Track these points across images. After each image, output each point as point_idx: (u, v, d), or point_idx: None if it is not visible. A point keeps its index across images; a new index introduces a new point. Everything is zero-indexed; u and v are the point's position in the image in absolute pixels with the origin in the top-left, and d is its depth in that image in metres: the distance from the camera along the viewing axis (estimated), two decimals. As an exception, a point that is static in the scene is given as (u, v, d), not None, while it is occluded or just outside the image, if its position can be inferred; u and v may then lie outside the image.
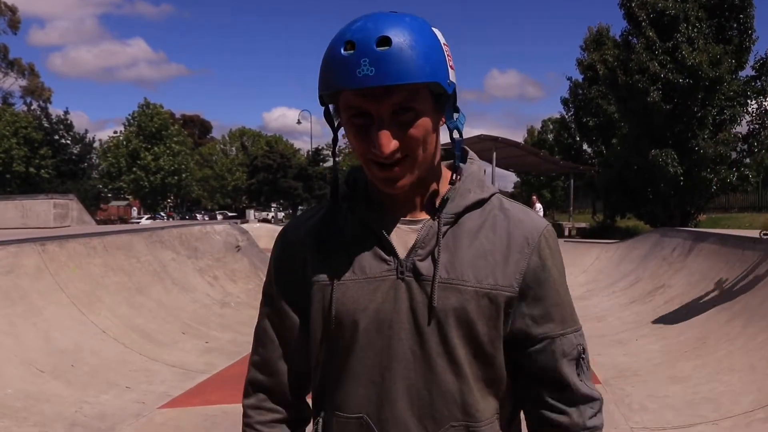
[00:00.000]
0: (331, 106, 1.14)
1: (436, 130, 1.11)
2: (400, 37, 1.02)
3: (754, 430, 4.13)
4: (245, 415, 1.29)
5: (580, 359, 1.19)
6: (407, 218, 1.17)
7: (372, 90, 1.02)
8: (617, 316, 8.56)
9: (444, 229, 1.14)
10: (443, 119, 1.13)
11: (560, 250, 1.22)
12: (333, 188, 1.22)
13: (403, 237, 1.15)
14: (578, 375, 1.18)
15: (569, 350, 1.17)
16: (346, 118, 1.09)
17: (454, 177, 1.20)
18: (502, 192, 1.26)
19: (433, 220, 1.15)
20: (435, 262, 1.12)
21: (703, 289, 7.59)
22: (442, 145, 1.20)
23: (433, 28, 1.10)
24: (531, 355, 1.17)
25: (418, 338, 1.11)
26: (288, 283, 1.23)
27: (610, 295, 10.22)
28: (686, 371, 5.53)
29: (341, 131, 1.16)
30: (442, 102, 1.10)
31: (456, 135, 1.17)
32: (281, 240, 1.27)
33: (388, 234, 1.15)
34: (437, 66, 1.05)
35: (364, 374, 1.14)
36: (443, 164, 1.22)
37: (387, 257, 1.14)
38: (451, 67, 1.10)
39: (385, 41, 1.01)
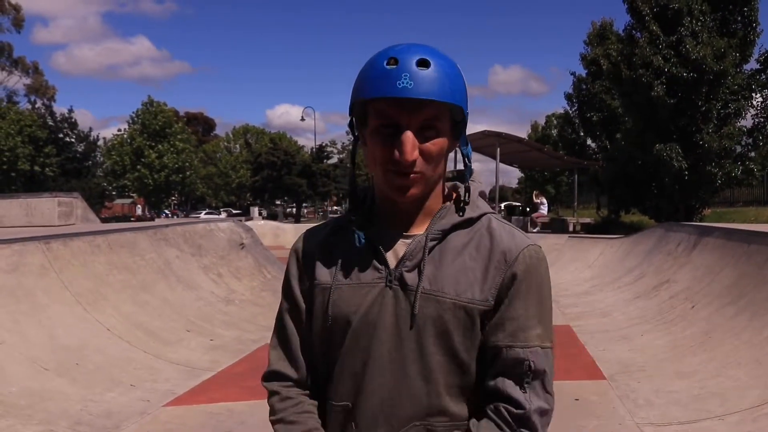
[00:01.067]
0: (354, 120, 1.28)
1: (449, 152, 1.27)
2: (436, 63, 1.17)
3: (760, 425, 4.11)
4: (272, 411, 1.36)
5: (525, 373, 1.21)
6: (403, 232, 1.29)
7: (407, 102, 1.16)
8: (622, 311, 8.53)
9: (431, 244, 1.26)
10: (457, 144, 1.29)
11: (544, 272, 1.27)
12: (351, 199, 1.37)
13: (396, 249, 1.28)
14: (523, 389, 1.21)
15: (512, 364, 1.22)
16: (374, 127, 1.21)
17: (454, 196, 1.34)
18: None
19: (423, 235, 1.27)
20: (420, 273, 1.24)
21: (708, 284, 7.56)
22: (449, 171, 1.36)
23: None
24: (484, 363, 1.25)
25: (397, 342, 1.24)
26: (300, 282, 1.38)
27: (615, 291, 10.19)
28: (692, 366, 5.51)
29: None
30: (459, 128, 1.26)
31: (466, 161, 1.32)
32: (298, 244, 1.42)
33: (384, 246, 1.28)
34: (462, 94, 1.22)
35: (350, 368, 1.27)
36: (447, 185, 1.36)
37: (379, 266, 1.27)
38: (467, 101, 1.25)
39: (424, 63, 1.16)
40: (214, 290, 8.96)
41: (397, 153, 1.17)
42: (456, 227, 1.28)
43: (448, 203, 1.32)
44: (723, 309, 6.56)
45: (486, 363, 1.25)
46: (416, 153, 1.17)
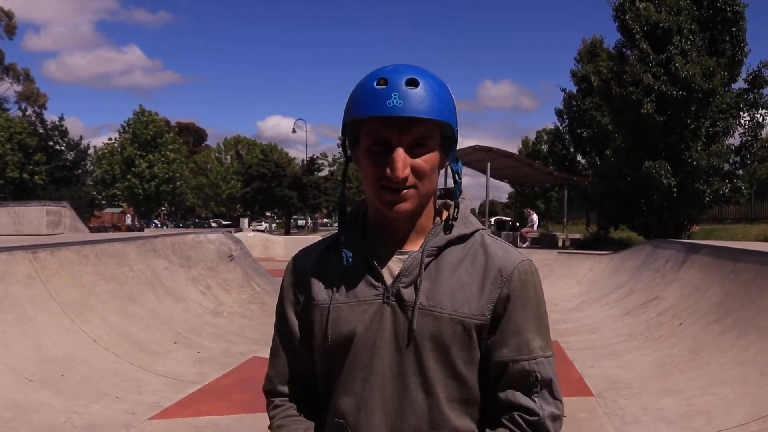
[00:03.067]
0: (346, 140, 1.32)
1: (440, 168, 1.29)
2: (425, 82, 1.21)
3: (746, 443, 4.12)
4: (271, 418, 1.41)
5: (533, 384, 1.27)
6: (397, 249, 1.32)
7: (397, 120, 1.19)
8: (610, 327, 8.55)
9: (427, 260, 1.28)
10: (448, 161, 1.31)
11: (538, 285, 1.32)
12: (341, 217, 1.40)
13: (391, 266, 1.30)
14: (532, 398, 1.27)
15: (519, 377, 1.26)
16: (366, 146, 1.24)
17: (447, 213, 1.36)
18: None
19: (419, 251, 1.29)
20: (417, 290, 1.26)
21: (696, 301, 7.60)
22: (439, 189, 1.39)
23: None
24: (492, 378, 1.29)
25: (397, 357, 1.26)
26: (294, 305, 1.40)
27: (603, 307, 10.22)
28: (679, 383, 5.53)
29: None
30: (449, 145, 1.29)
31: (456, 178, 1.34)
32: (291, 267, 1.43)
33: (379, 263, 1.30)
34: (451, 112, 1.24)
35: (350, 385, 1.28)
36: (438, 202, 1.39)
37: (376, 283, 1.29)
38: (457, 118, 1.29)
39: (413, 82, 1.19)
40: (202, 302, 8.91)
41: (389, 170, 1.20)
42: (451, 243, 1.31)
43: (439, 220, 1.35)
44: (710, 326, 6.59)
45: (493, 378, 1.29)
46: (408, 170, 1.20)
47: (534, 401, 1.26)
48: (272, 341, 1.45)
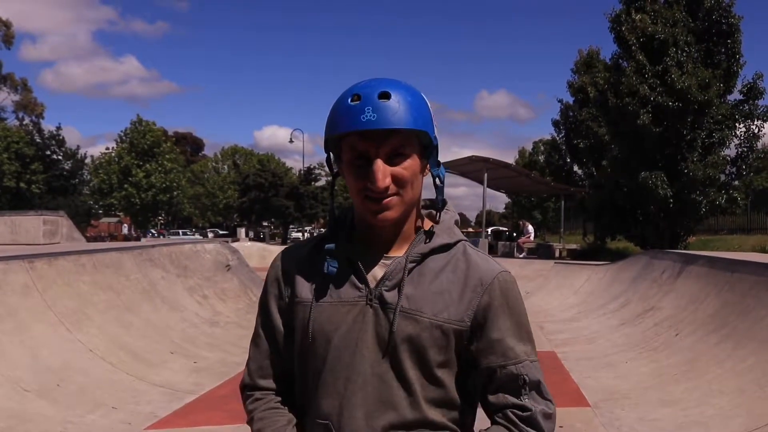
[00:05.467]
0: (331, 155, 1.35)
1: (421, 174, 1.32)
2: (397, 94, 1.24)
3: (743, 454, 4.13)
4: (248, 411, 1.43)
5: (522, 386, 1.32)
6: (382, 254, 1.36)
7: (373, 133, 1.23)
8: (607, 338, 8.56)
9: (410, 266, 1.33)
10: (428, 168, 1.34)
11: (518, 294, 1.37)
12: (330, 221, 1.43)
13: (375, 270, 1.34)
14: (522, 399, 1.32)
15: (508, 381, 1.32)
16: (347, 160, 1.29)
17: (430, 222, 1.41)
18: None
19: (403, 257, 1.34)
20: (399, 293, 1.30)
21: (692, 312, 7.61)
22: (423, 199, 1.44)
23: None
24: (481, 384, 1.34)
25: (378, 357, 1.29)
26: (278, 299, 1.42)
27: (600, 317, 10.22)
28: (676, 394, 5.53)
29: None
30: (428, 152, 1.32)
31: (438, 182, 1.38)
32: (277, 262, 1.47)
33: (364, 266, 1.33)
34: (426, 120, 1.28)
35: (332, 384, 1.31)
36: (423, 212, 1.43)
37: (360, 285, 1.33)
38: (435, 125, 1.32)
39: (386, 95, 1.23)
40: (198, 312, 8.90)
41: (369, 182, 1.25)
42: (434, 251, 1.35)
43: (424, 227, 1.39)
44: (707, 337, 6.60)
45: (483, 384, 1.34)
46: (388, 179, 1.25)
47: (525, 400, 1.31)
48: (254, 334, 1.47)
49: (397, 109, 1.23)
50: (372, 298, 1.31)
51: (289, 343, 1.40)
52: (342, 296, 1.33)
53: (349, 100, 1.25)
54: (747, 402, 4.83)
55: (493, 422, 1.33)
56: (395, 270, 1.32)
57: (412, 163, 1.28)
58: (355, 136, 1.25)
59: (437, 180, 1.37)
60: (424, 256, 1.34)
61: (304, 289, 1.37)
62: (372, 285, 1.32)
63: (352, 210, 1.42)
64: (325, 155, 1.37)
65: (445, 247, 1.36)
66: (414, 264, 1.33)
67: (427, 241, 1.35)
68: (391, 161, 1.26)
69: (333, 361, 1.31)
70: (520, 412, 1.30)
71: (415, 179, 1.29)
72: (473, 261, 1.35)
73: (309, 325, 1.33)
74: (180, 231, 61.72)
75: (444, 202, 1.42)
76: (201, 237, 50.22)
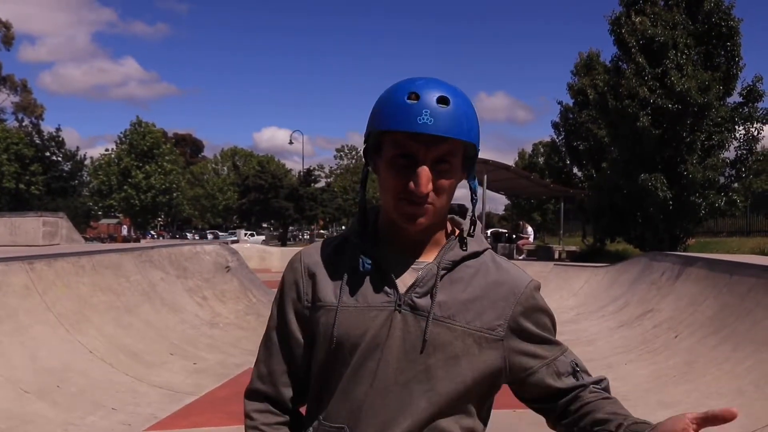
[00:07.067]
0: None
1: (456, 186, 1.31)
2: (455, 101, 1.23)
3: (742, 456, 4.13)
4: (249, 418, 1.39)
5: (575, 371, 1.38)
6: (411, 259, 1.33)
7: (425, 136, 1.20)
8: (606, 340, 8.56)
9: (442, 273, 1.30)
10: (466, 178, 1.34)
11: (543, 300, 1.39)
12: (360, 216, 1.39)
13: (405, 275, 1.31)
14: (577, 379, 1.37)
15: (564, 369, 1.36)
16: (389, 157, 1.26)
17: (456, 229, 1.39)
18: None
19: (434, 264, 1.31)
20: (432, 300, 1.28)
21: (691, 314, 7.62)
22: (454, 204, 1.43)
23: None
24: (536, 381, 1.36)
25: (404, 365, 1.26)
26: (296, 303, 1.38)
27: (599, 319, 10.23)
28: (675, 396, 5.54)
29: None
30: (469, 163, 1.32)
31: (474, 195, 1.38)
32: (296, 264, 1.41)
33: (392, 271, 1.31)
34: (476, 132, 1.27)
35: (352, 390, 1.28)
36: (448, 218, 1.40)
37: (389, 290, 1.30)
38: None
39: (444, 100, 1.21)
40: (198, 313, 8.90)
41: (412, 184, 1.22)
42: (465, 259, 1.33)
43: (453, 235, 1.37)
44: (705, 339, 6.61)
45: (540, 382, 1.36)
46: (430, 186, 1.23)
47: (586, 378, 1.38)
48: (265, 337, 1.43)
49: (453, 117, 1.21)
50: (401, 304, 1.28)
51: (303, 349, 1.37)
52: (369, 301, 1.29)
53: (406, 97, 1.21)
54: (746, 404, 4.84)
55: (575, 399, 1.36)
56: (427, 276, 1.30)
57: (453, 174, 1.26)
58: (405, 135, 1.22)
59: (474, 193, 1.38)
60: (456, 264, 1.32)
61: (328, 292, 1.33)
62: (402, 290, 1.29)
63: (376, 210, 1.40)
64: (363, 146, 1.35)
65: (475, 255, 1.35)
66: (445, 271, 1.31)
67: (463, 248, 1.34)
68: (435, 168, 1.23)
69: (355, 367, 1.28)
70: (598, 385, 1.38)
71: (452, 189, 1.28)
72: (504, 270, 1.36)
73: (334, 329, 1.29)
74: (190, 233, 61.20)
75: (462, 209, 1.43)
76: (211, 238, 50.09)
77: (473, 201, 1.39)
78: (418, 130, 1.19)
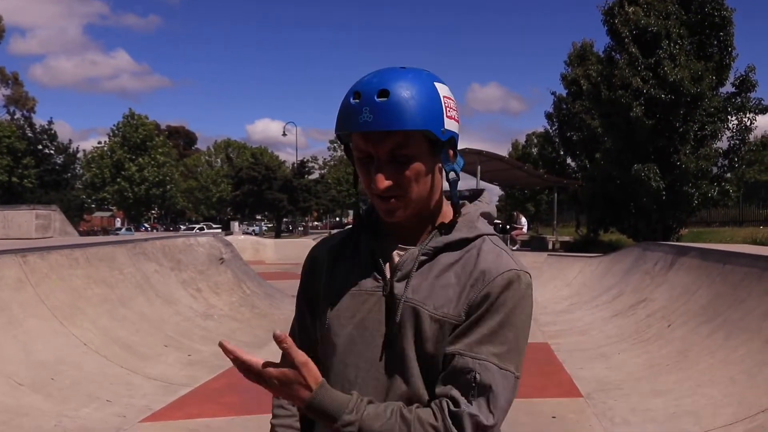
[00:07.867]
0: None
1: (431, 172, 1.28)
2: (398, 90, 1.19)
3: (734, 443, 4.16)
4: (274, 414, 1.52)
5: (471, 384, 1.21)
6: (402, 246, 1.35)
7: (371, 134, 1.21)
8: (600, 329, 8.60)
9: (422, 259, 1.31)
10: (439, 162, 1.29)
11: (523, 297, 1.28)
12: (356, 214, 1.46)
13: (393, 260, 1.34)
14: (464, 396, 1.21)
15: (460, 372, 1.22)
16: (356, 158, 1.28)
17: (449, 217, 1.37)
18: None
19: (416, 249, 1.32)
20: (407, 285, 1.29)
21: (684, 303, 7.65)
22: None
23: (436, 83, 1.26)
24: (439, 372, 1.27)
25: (386, 347, 1.30)
26: (307, 291, 1.48)
27: (593, 309, 10.27)
28: (668, 384, 5.57)
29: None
30: (438, 148, 1.26)
31: (453, 176, 1.30)
32: (309, 255, 1.51)
33: (383, 257, 1.34)
34: (432, 116, 1.22)
35: (344, 372, 1.32)
36: (448, 203, 1.39)
37: (378, 276, 1.33)
38: (450, 117, 1.26)
39: (384, 93, 1.19)
40: (192, 305, 8.90)
41: (371, 183, 1.25)
42: (450, 246, 1.31)
43: (448, 221, 1.35)
44: (698, 328, 6.65)
45: (439, 372, 1.27)
46: (387, 182, 1.23)
47: (465, 399, 1.21)
48: (291, 326, 1.55)
49: (394, 109, 1.18)
50: (387, 288, 1.31)
51: (313, 334, 1.44)
52: (361, 286, 1.34)
53: (351, 98, 1.22)
54: (738, 392, 4.87)
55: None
56: (407, 261, 1.31)
57: (415, 164, 1.23)
58: (356, 136, 1.24)
59: (451, 175, 1.29)
60: (438, 251, 1.31)
61: (329, 279, 1.40)
62: (388, 276, 1.32)
63: None
64: (344, 149, 1.38)
65: (463, 242, 1.32)
66: (426, 257, 1.31)
67: (443, 234, 1.32)
68: (392, 162, 1.23)
69: (346, 350, 1.33)
70: (452, 405, 1.20)
71: (420, 178, 1.25)
72: (484, 256, 1.29)
73: (327, 314, 1.36)
74: (196, 226, 60.21)
75: (478, 193, 1.43)
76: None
77: (450, 183, 1.31)
78: (361, 129, 1.20)
